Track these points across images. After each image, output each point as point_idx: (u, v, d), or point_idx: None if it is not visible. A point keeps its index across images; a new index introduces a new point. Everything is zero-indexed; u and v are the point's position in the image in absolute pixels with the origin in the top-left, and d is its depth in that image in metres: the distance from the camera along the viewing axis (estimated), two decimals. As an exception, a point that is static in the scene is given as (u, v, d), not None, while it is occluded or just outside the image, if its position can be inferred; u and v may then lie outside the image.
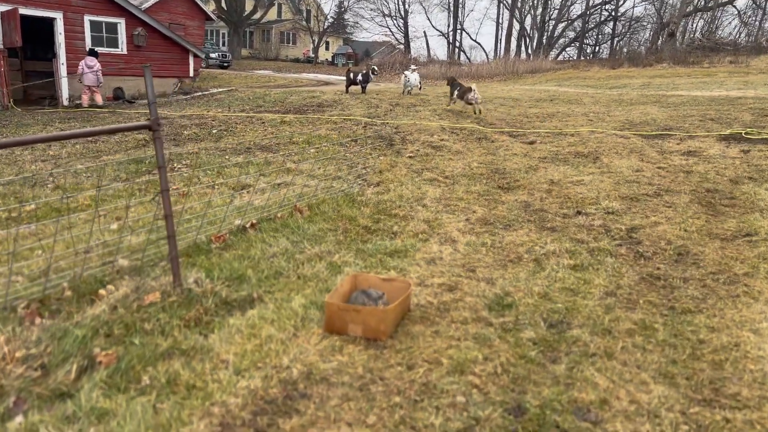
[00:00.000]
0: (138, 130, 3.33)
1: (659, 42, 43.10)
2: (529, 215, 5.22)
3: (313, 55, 52.53)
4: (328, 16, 57.83)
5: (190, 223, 4.57)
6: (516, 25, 53.62)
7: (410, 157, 7.83)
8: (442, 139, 9.04)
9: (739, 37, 45.13)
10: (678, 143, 8.69)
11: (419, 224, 4.86)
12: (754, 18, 45.96)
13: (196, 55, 17.70)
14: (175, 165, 6.96)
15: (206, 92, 15.43)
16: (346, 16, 60.67)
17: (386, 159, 7.57)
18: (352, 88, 15.95)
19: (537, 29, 54.33)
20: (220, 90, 15.88)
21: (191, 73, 17.66)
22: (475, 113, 11.64)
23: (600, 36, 57.37)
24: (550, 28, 54.50)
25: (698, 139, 8.85)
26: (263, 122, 10.06)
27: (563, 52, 55.21)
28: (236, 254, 3.97)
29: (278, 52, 54.34)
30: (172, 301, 3.14)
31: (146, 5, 26.56)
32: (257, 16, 49.99)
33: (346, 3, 58.21)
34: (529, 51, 51.94)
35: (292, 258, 3.97)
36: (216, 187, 5.94)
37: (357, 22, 61.03)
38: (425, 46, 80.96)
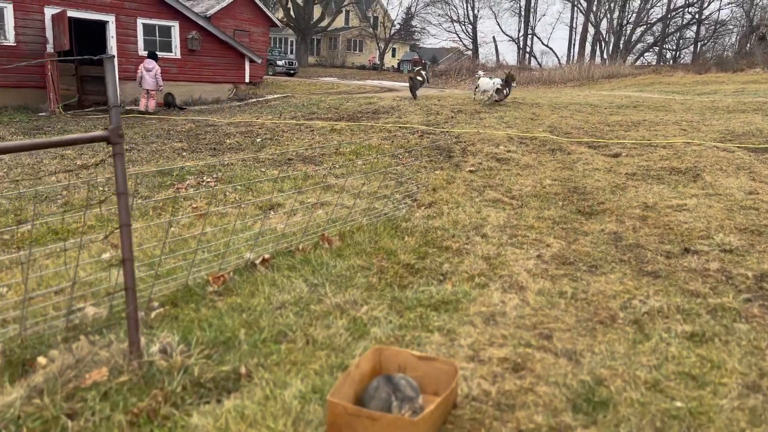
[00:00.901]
0: (97, 142, 2.48)
1: (748, 46, 39.89)
2: (621, 252, 4.07)
3: (379, 62, 52.02)
4: (395, 23, 57.24)
5: (199, 255, 3.72)
6: (591, 29, 51.23)
7: (471, 171, 6.77)
8: (508, 151, 7.92)
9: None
10: (798, 159, 7.22)
11: (477, 262, 3.81)
12: None
13: (252, 60, 17.22)
14: (204, 178, 6.20)
15: (261, 98, 14.87)
16: (413, 22, 59.95)
17: (442, 174, 6.54)
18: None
19: (613, 33, 51.71)
20: (276, 96, 15.26)
21: (247, 79, 17.18)
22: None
23: (681, 41, 54.05)
24: (628, 32, 51.75)
25: (822, 154, 7.34)
26: (312, 130, 9.24)
27: (641, 58, 52.30)
28: (233, 303, 3.06)
29: (344, 59, 54.17)
30: (121, 382, 2.26)
31: (212, 11, 26.63)
32: (324, 23, 49.98)
33: (413, 9, 57.50)
34: (605, 56, 49.44)
35: (306, 310, 3.02)
36: (242, 206, 5.10)
37: (424, 28, 60.24)
38: (494, 51, 79.02)
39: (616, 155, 7.72)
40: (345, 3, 53.24)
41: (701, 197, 5.50)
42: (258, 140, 8.59)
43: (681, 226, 4.60)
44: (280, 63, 42.13)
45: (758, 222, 4.68)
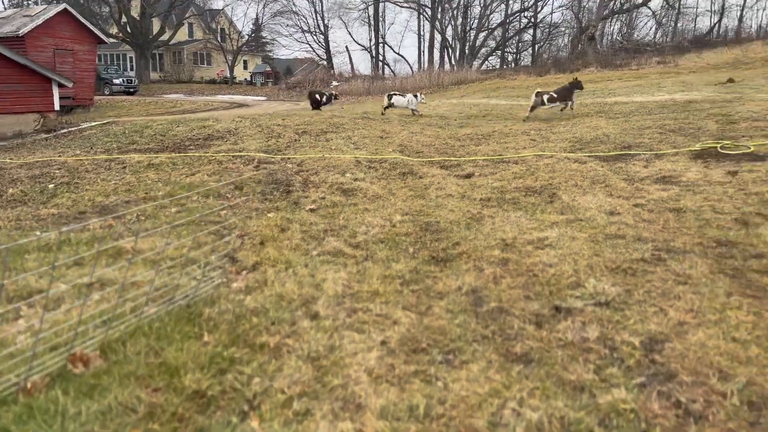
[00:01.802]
0: None
1: (580, 46, 43.12)
2: (483, 324, 3.23)
3: (229, 75, 49.77)
4: (243, 34, 55.21)
5: None
6: (438, 36, 52.83)
7: (311, 210, 5.77)
8: (356, 179, 7.02)
9: (655, 37, 45.94)
10: (645, 165, 7.03)
11: (300, 369, 2.78)
12: (667, 18, 46.89)
13: (61, 84, 14.96)
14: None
15: (75, 128, 12.84)
16: (263, 34, 58.28)
17: (276, 217, 5.46)
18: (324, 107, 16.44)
19: (459, 39, 53.73)
20: (94, 124, 13.27)
21: (56, 106, 14.90)
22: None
23: (521, 44, 57.51)
24: (472, 37, 54.02)
25: (667, 159, 7.22)
26: (124, 167, 7.73)
27: (486, 62, 54.83)
28: None
29: (192, 73, 51.20)
30: None
31: (25, 30, 23.43)
32: (165, 37, 46.84)
33: (261, 20, 55.82)
34: (452, 62, 51.18)
35: None
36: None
37: (275, 39, 58.71)
38: (348, 60, 79.14)
39: (468, 176, 7.11)
40: (186, 16, 50.42)
41: (562, 225, 4.91)
42: (51, 186, 6.95)
43: (546, 272, 3.90)
44: (117, 81, 38.78)
45: (628, 256, 4.11)
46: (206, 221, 5.38)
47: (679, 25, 47.04)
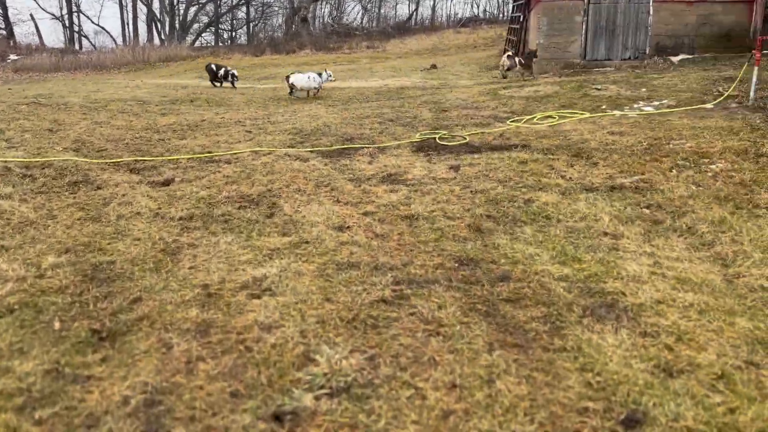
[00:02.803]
0: None
1: (294, 27, 43.13)
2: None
3: None
4: None
5: None
6: (143, 8, 47.81)
7: None
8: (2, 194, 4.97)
9: (362, 22, 48.37)
10: (369, 161, 6.38)
11: None
12: (372, 4, 49.68)
13: None
14: None
15: None
16: None
17: None
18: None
19: (167, 13, 49.44)
20: None
21: None
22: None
23: (235, 21, 55.51)
24: (182, 11, 50.19)
25: (390, 153, 6.70)
26: None
27: (200, 38, 51.60)
28: None
29: None
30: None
31: None
32: None
33: None
34: (162, 37, 46.94)
35: None
36: None
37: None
38: (35, 31, 67.36)
39: (167, 182, 5.60)
40: None
41: (285, 253, 3.83)
42: None
43: (264, 343, 2.76)
44: None
45: (366, 297, 3.20)
46: None
47: (382, 11, 50.26)
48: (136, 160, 6.40)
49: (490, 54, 22.37)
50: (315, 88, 11.88)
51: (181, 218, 4.61)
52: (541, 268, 3.55)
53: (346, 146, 7.05)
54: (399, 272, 3.53)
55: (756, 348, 2.62)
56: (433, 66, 17.73)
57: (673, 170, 5.49)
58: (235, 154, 6.68)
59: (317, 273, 3.52)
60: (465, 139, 7.11)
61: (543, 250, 3.83)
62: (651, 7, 12.81)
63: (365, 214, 4.70)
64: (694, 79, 9.47)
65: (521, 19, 15.93)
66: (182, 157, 6.57)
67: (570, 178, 5.54)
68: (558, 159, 6.10)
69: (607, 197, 4.91)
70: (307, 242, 4.05)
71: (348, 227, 4.37)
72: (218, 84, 14.60)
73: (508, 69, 12.95)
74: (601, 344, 2.70)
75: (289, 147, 7.06)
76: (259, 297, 3.21)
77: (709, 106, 7.77)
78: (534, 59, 13.16)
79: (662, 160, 5.77)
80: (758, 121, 6.65)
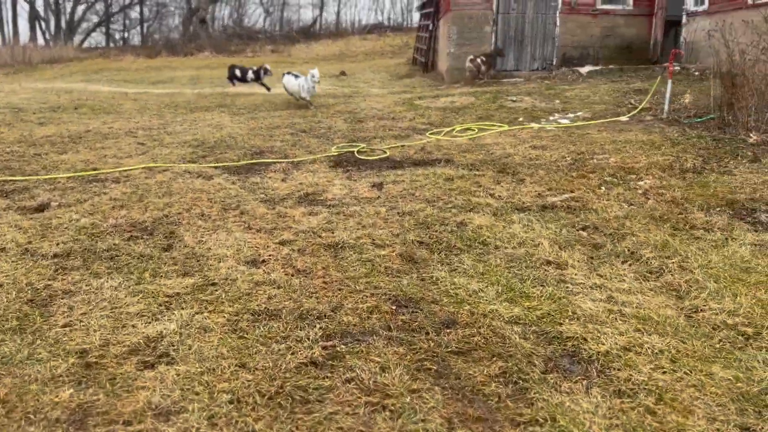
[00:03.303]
0: None
1: (191, 28, 41.26)
2: None
3: None
4: None
5: None
6: (26, 6, 43.99)
7: None
8: None
9: (265, 25, 47.14)
10: (283, 178, 5.79)
11: None
12: (274, 8, 48.57)
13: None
14: None
15: None
16: None
17: None
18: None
19: (52, 11, 45.81)
20: None
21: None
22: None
23: (128, 21, 52.41)
24: (68, 10, 46.68)
25: (305, 169, 6.13)
26: None
27: (89, 38, 48.22)
28: None
29: None
30: None
31: None
32: None
33: None
34: (47, 36, 43.42)
35: None
36: None
37: None
38: None
39: (41, 208, 4.73)
40: None
41: (186, 302, 3.17)
42: None
43: (163, 432, 2.12)
44: None
45: (291, 364, 2.63)
46: None
47: (285, 14, 49.26)
48: (4, 181, 5.41)
49: (398, 62, 22.23)
50: (302, 97, 9.90)
51: (56, 255, 3.80)
52: (489, 308, 3.13)
53: (255, 161, 6.38)
54: (329, 321, 2.98)
55: (744, 406, 2.31)
56: (343, 73, 17.26)
57: (602, 187, 5.31)
58: (125, 171, 5.84)
59: (228, 327, 2.89)
60: (385, 153, 6.66)
61: (487, 285, 3.42)
62: (558, 19, 13.04)
63: (282, 243, 4.11)
64: (605, 90, 9.60)
65: (430, 28, 15.82)
66: (61, 176, 5.64)
67: (499, 196, 5.21)
68: (484, 175, 5.78)
69: (541, 218, 4.61)
70: (214, 284, 3.40)
71: (263, 261, 3.76)
72: (251, 80, 12.18)
73: (478, 71, 12.42)
74: (575, 410, 2.30)
75: (189, 162, 6.30)
76: (153, 366, 2.55)
77: (624, 118, 7.81)
78: (499, 58, 12.81)
79: (589, 177, 5.59)
80: (676, 135, 6.68)
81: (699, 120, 7.06)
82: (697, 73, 10.79)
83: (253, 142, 7.24)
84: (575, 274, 3.57)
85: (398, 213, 4.76)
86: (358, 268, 3.67)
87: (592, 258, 3.85)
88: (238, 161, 6.38)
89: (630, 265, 3.74)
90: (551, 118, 8.36)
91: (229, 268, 3.62)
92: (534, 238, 4.16)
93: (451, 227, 4.41)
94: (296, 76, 10.04)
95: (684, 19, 12.03)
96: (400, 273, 3.62)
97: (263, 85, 11.79)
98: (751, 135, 6.16)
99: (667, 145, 6.31)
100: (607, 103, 8.92)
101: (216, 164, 6.21)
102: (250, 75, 12.00)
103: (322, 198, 5.17)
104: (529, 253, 3.88)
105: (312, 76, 9.59)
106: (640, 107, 8.09)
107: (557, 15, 13.08)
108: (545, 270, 3.64)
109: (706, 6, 11.21)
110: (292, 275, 3.56)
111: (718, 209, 4.64)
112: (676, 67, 11.43)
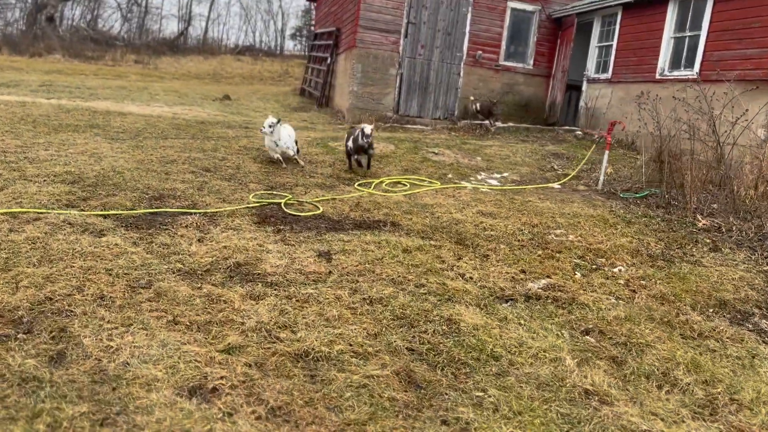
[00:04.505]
0: None
1: (36, 27, 36.79)
2: None
3: None
4: None
5: None
6: None
7: None
8: None
9: (121, 31, 43.51)
10: (199, 238, 4.55)
11: None
12: (133, 14, 45.10)
13: None
14: None
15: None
16: None
17: None
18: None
19: None
20: None
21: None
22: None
23: (-41, 8, 45.68)
24: None
25: (224, 224, 4.93)
26: None
27: None
28: None
29: None
30: None
31: None
32: None
33: None
34: None
35: None
36: None
37: None
38: None
39: None
40: None
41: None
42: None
43: None
44: None
45: None
46: None
47: (145, 23, 45.91)
48: None
49: (282, 90, 21.14)
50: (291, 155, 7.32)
51: None
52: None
53: (156, 209, 5.04)
54: None
55: None
56: (227, 97, 15.80)
57: (577, 273, 4.75)
58: (-25, 217, 4.24)
59: None
60: (318, 208, 5.63)
61: (534, 435, 2.57)
62: (462, 69, 12.88)
63: (229, 351, 2.96)
64: (523, 151, 9.37)
65: (329, 61, 15.01)
66: None
67: (470, 278, 4.44)
68: (442, 247, 4.99)
69: (533, 314, 3.91)
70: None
71: (214, 391, 2.60)
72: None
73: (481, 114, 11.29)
74: None
75: (67, 206, 4.80)
76: None
77: (556, 186, 7.49)
78: (495, 113, 11.71)
79: (557, 257, 5.02)
80: (622, 212, 6.40)
81: (638, 196, 6.90)
82: (600, 140, 11.04)
83: (146, 182, 5.82)
84: (628, 413, 2.84)
85: (366, 300, 3.80)
86: (354, 403, 2.64)
87: (623, 382, 3.16)
88: (133, 208, 4.99)
89: (669, 393, 3.10)
90: (479, 177, 7.86)
91: (167, 406, 2.41)
92: (546, 349, 3.40)
93: (440, 326, 3.53)
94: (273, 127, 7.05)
95: (584, 85, 12.43)
96: (409, 409, 2.66)
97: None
98: (698, 218, 6.02)
99: (621, 224, 5.99)
100: (530, 165, 8.64)
101: (104, 212, 4.78)
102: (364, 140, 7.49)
103: (258, 272, 4.04)
104: (557, 376, 3.10)
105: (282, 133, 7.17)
106: (572, 175, 7.87)
107: (462, 66, 12.93)
108: (590, 405, 2.87)
109: (608, 75, 11.61)
110: (267, 420, 2.44)
111: (711, 311, 4.25)
112: (578, 133, 11.68)
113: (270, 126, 6.98)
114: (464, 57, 12.85)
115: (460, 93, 13.00)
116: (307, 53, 20.44)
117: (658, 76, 10.23)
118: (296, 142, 7.48)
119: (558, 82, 12.75)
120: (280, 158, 7.29)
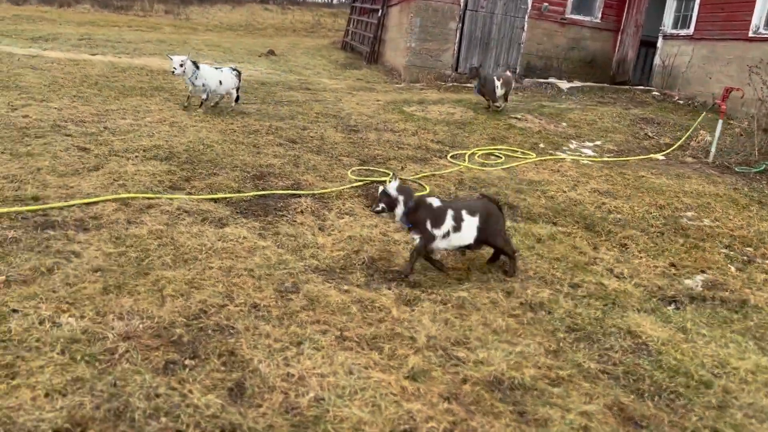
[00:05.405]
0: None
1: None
2: None
3: None
4: None
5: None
6: None
7: None
8: None
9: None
10: (320, 226, 4.18)
11: None
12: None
13: None
14: None
15: None
16: None
17: None
18: None
19: None
20: None
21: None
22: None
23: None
24: None
25: (336, 208, 4.55)
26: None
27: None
28: None
29: None
30: None
31: None
32: None
33: None
34: None
35: None
36: None
37: None
38: None
39: (-28, 290, 2.76)
40: None
41: None
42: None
43: None
44: None
45: None
46: None
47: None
48: None
49: (322, 43, 20.36)
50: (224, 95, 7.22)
51: None
52: None
53: (265, 192, 4.64)
54: None
55: None
56: (271, 52, 15.14)
57: (731, 266, 4.31)
58: (89, 204, 3.86)
59: None
60: (425, 188, 5.20)
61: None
62: (526, 23, 12.10)
63: (415, 378, 2.61)
64: (608, 116, 8.76)
65: (380, 14, 14.23)
66: (-18, 210, 3.56)
67: (619, 274, 4.03)
68: (573, 235, 4.56)
69: (703, 317, 3.52)
70: None
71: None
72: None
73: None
74: None
75: (171, 188, 4.41)
76: None
77: (660, 157, 6.95)
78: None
79: (703, 247, 4.57)
80: (746, 189, 5.90)
81: (757, 171, 6.36)
82: (681, 102, 10.35)
83: (240, 157, 5.41)
84: None
85: (524, 305, 3.43)
86: (587, 449, 2.28)
87: None
88: (239, 190, 4.60)
89: None
90: (572, 145, 7.33)
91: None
92: (754, 371, 3.00)
93: (623, 342, 3.14)
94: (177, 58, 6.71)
95: (660, 42, 11.60)
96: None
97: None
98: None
99: (754, 205, 5.49)
100: (622, 132, 8.06)
101: (214, 195, 4.39)
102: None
103: (396, 268, 3.66)
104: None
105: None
106: (677, 144, 7.30)
107: (525, 19, 12.13)
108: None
109: (690, 30, 10.77)
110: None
111: None
112: (656, 93, 10.97)
113: (181, 65, 6.57)
114: (528, 9, 12.05)
115: (523, 49, 12.26)
116: (350, 4, 19.50)
117: (751, 34, 9.42)
118: (237, 89, 7.36)
119: (629, 37, 11.92)
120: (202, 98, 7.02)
